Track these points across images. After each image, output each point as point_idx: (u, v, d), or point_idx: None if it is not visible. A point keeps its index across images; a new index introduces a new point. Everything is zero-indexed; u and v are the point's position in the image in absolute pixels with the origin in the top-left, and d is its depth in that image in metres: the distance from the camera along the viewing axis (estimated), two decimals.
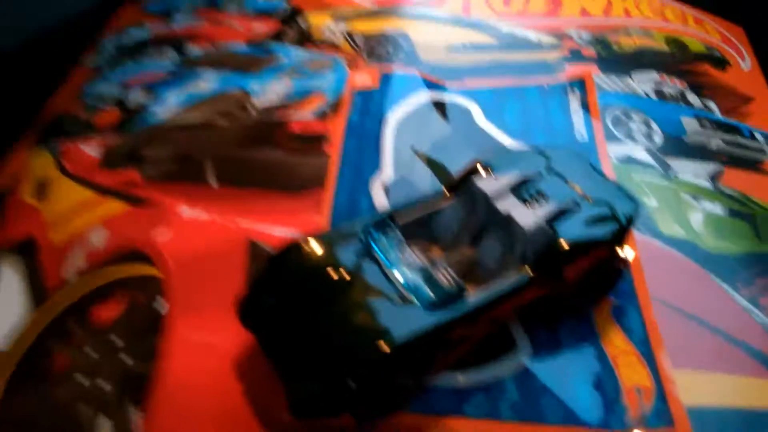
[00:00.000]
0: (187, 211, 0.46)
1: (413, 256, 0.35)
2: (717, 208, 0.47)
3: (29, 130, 0.59)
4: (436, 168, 0.47)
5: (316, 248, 0.36)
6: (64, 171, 0.51)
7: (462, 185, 0.39)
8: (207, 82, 0.58)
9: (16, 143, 0.58)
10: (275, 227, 0.44)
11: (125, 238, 0.44)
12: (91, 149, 0.53)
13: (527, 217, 0.35)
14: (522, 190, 0.38)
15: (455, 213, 0.38)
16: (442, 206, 0.39)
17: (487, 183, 0.38)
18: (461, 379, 0.35)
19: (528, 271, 0.34)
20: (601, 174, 0.40)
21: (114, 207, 0.47)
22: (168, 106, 0.56)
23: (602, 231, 0.35)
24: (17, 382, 0.37)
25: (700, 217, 0.46)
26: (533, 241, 0.34)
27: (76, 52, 0.70)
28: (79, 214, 0.47)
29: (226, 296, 0.40)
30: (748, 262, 0.43)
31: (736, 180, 0.50)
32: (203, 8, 0.70)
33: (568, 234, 0.34)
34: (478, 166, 0.39)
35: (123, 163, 0.51)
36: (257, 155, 0.50)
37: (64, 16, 0.73)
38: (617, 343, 0.36)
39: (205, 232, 0.44)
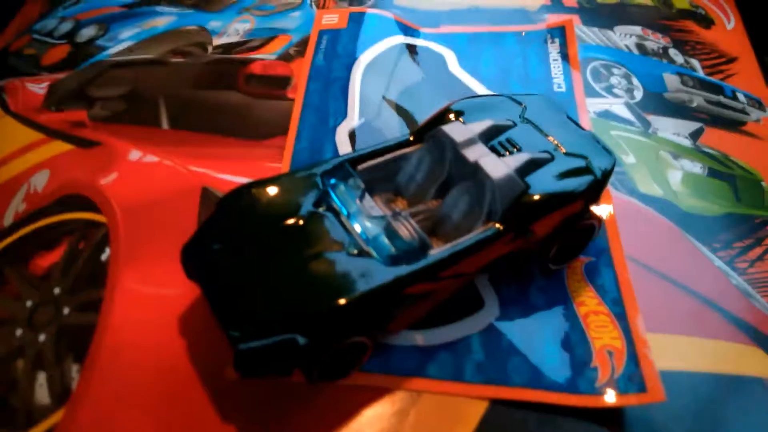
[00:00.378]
0: (136, 154, 0.42)
1: (374, 205, 0.33)
2: (696, 168, 0.45)
3: None
4: (406, 115, 0.44)
5: (269, 192, 0.33)
6: (6, 109, 0.48)
7: (429, 131, 0.36)
8: (164, 19, 0.54)
9: None
10: (231, 174, 0.41)
11: (69, 181, 0.41)
12: (37, 87, 0.49)
13: (497, 166, 0.33)
14: (493, 139, 0.35)
15: (421, 161, 0.36)
16: (407, 154, 0.36)
17: (455, 129, 0.35)
18: (420, 338, 0.33)
19: (496, 224, 0.32)
20: (577, 125, 0.37)
21: (58, 148, 0.44)
22: (121, 43, 0.52)
23: (576, 184, 0.33)
24: None
25: (679, 176, 0.44)
26: (502, 193, 0.32)
27: None
28: (21, 155, 0.44)
29: (174, 245, 0.37)
30: (726, 223, 0.41)
31: (718, 140, 0.48)
32: None
33: (539, 186, 0.32)
34: (448, 112, 0.37)
35: (70, 102, 0.47)
36: (214, 97, 0.47)
37: None
38: (589, 303, 0.34)
39: (155, 177, 0.41)
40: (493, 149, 0.34)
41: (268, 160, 0.42)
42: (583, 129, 0.37)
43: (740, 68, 0.56)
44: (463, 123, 0.35)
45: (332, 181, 0.34)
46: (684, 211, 0.42)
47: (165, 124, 0.44)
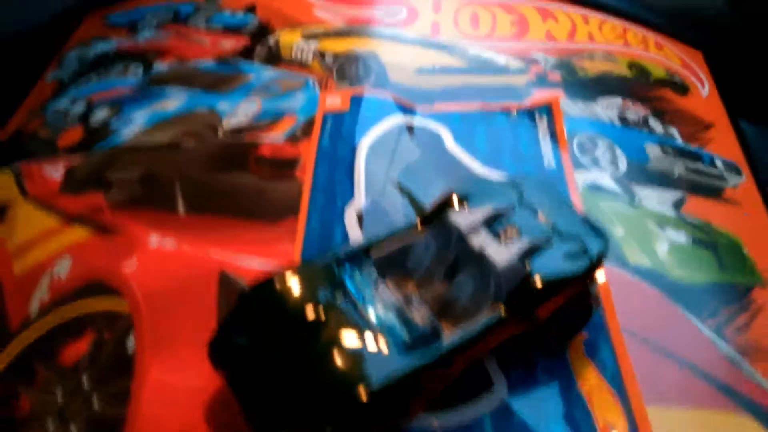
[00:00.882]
0: (155, 239, 0.45)
1: (388, 292, 0.35)
2: (681, 237, 0.48)
3: None
4: (409, 195, 0.47)
5: (288, 284, 0.35)
6: (25, 193, 0.50)
7: (435, 217, 0.39)
8: (174, 101, 0.57)
9: None
10: (247, 257, 0.43)
11: (91, 269, 0.43)
12: (53, 171, 0.51)
13: (500, 254, 0.35)
14: (495, 224, 0.38)
15: (428, 247, 0.38)
16: (416, 239, 0.39)
17: (460, 217, 0.38)
18: (435, 421, 0.35)
19: (501, 309, 0.34)
20: (571, 206, 0.40)
21: (79, 234, 0.46)
22: (133, 125, 0.55)
23: (574, 267, 0.36)
24: None
25: (666, 246, 0.47)
26: (506, 279, 0.35)
27: (39, 66, 0.68)
28: (42, 242, 0.46)
29: (197, 333, 0.39)
30: (713, 291, 0.44)
31: (699, 208, 0.51)
32: (169, 23, 0.68)
33: (541, 271, 0.35)
34: (452, 197, 0.40)
35: (87, 186, 0.49)
36: (227, 179, 0.49)
37: (25, 29, 0.71)
38: (591, 380, 0.37)
39: (174, 263, 0.43)
40: (495, 234, 0.37)
41: (281, 242, 0.44)
42: (575, 210, 0.40)
43: (716, 134, 0.60)
44: (466, 209, 0.38)
45: (347, 270, 0.36)
46: (672, 281, 0.45)
47: (181, 208, 0.47)
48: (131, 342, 0.39)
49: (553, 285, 0.35)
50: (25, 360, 0.39)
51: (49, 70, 0.67)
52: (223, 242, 0.44)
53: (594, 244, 0.37)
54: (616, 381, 0.37)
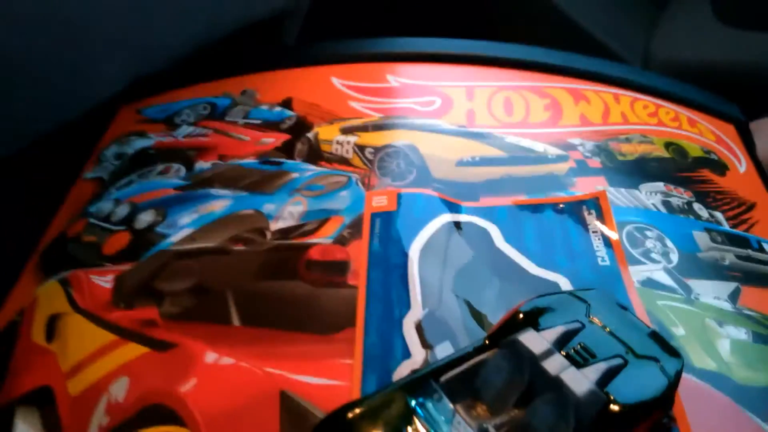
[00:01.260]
0: (211, 356, 0.44)
1: (463, 423, 0.34)
2: (741, 333, 0.47)
3: (33, 255, 0.57)
4: (466, 302, 0.47)
5: (362, 415, 0.34)
6: (75, 306, 0.50)
7: (504, 335, 0.38)
8: (220, 203, 0.57)
9: (21, 270, 0.56)
10: (306, 375, 0.43)
11: (149, 390, 0.43)
12: (102, 280, 0.51)
13: (578, 380, 0.35)
14: (566, 345, 0.37)
15: (500, 369, 0.38)
16: (485, 360, 0.38)
17: (531, 340, 0.37)
18: None
19: None
20: (639, 322, 0.40)
21: (134, 352, 0.45)
22: (180, 229, 0.55)
23: (654, 391, 0.35)
24: None
25: (727, 345, 0.46)
26: (587, 407, 0.34)
27: (75, 164, 0.68)
28: (96, 359, 0.45)
29: None
30: None
31: (756, 299, 0.50)
32: (207, 118, 0.69)
33: (621, 397, 0.34)
34: (518, 315, 0.39)
35: (138, 298, 0.49)
36: (279, 288, 0.49)
37: (59, 124, 0.72)
38: None
39: (233, 381, 0.43)
40: (568, 357, 0.36)
41: (340, 357, 0.44)
42: (645, 325, 0.39)
43: (760, 215, 0.60)
44: (536, 330, 0.38)
45: (420, 399, 0.35)
46: (737, 383, 0.44)
47: (236, 321, 0.46)
48: None
49: (637, 411, 0.34)
50: None
51: (86, 168, 0.68)
52: (279, 357, 0.44)
53: (669, 364, 0.37)
54: None
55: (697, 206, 0.59)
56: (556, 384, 0.35)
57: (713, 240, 0.56)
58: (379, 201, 0.54)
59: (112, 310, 0.49)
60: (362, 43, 0.76)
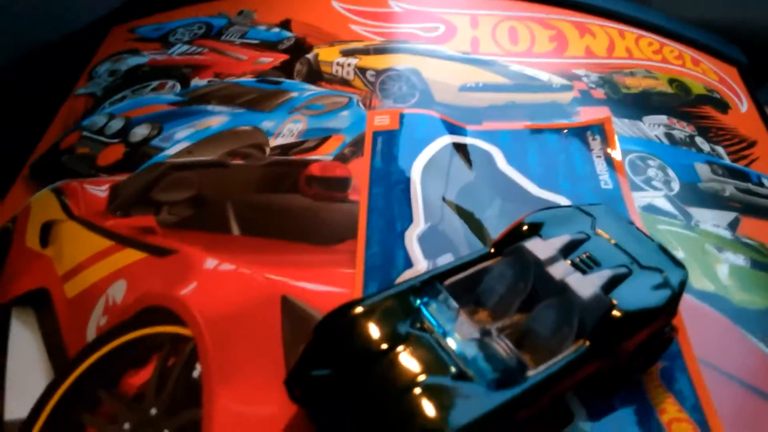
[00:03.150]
0: (211, 262, 0.43)
1: (466, 324, 0.34)
2: (740, 260, 0.48)
3: (25, 165, 0.56)
4: (468, 216, 0.46)
5: (364, 315, 0.34)
6: (70, 214, 0.49)
7: (508, 245, 0.38)
8: (217, 119, 0.56)
9: (12, 181, 0.55)
10: (307, 282, 0.42)
11: (148, 293, 0.42)
12: (97, 190, 0.50)
13: (583, 285, 0.34)
14: (572, 253, 0.37)
15: (504, 276, 0.37)
16: (489, 267, 0.38)
17: (537, 246, 0.37)
18: None
19: (587, 343, 0.33)
20: (645, 236, 0.40)
21: (131, 256, 0.45)
22: (177, 143, 0.54)
23: (657, 300, 0.35)
24: None
25: (726, 269, 0.47)
26: (591, 312, 0.34)
27: (68, 80, 0.67)
28: (93, 263, 0.44)
29: (263, 358, 0.38)
30: None
31: (754, 229, 0.50)
32: (202, 37, 0.67)
33: (625, 304, 0.34)
34: (523, 225, 0.39)
35: (135, 207, 0.48)
36: (279, 201, 0.48)
37: (51, 41, 0.70)
38: (670, 410, 0.36)
39: (234, 286, 0.42)
40: (574, 265, 0.36)
41: (341, 266, 0.43)
42: (651, 239, 0.39)
43: (760, 152, 0.60)
44: (542, 238, 0.37)
45: (425, 299, 0.35)
46: (735, 305, 0.44)
47: (235, 230, 0.46)
48: (197, 368, 0.38)
49: (640, 318, 0.34)
50: (86, 386, 0.38)
51: (79, 84, 0.66)
52: (280, 265, 0.43)
53: (674, 275, 0.37)
54: (697, 412, 0.36)
55: (699, 140, 0.59)
56: (560, 288, 0.35)
57: (714, 172, 0.55)
58: (381, 120, 0.53)
59: (108, 218, 0.48)
60: None
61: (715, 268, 0.47)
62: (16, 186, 0.54)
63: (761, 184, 0.55)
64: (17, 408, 0.37)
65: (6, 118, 0.63)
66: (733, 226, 0.51)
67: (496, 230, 0.46)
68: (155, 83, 0.61)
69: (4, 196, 0.53)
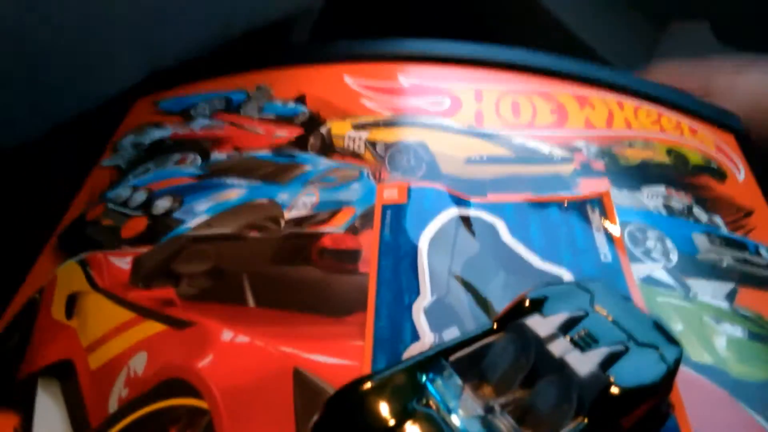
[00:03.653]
0: (228, 334, 0.46)
1: (470, 401, 0.36)
2: (738, 331, 0.49)
3: (52, 236, 0.59)
4: (473, 289, 0.48)
5: (374, 391, 0.36)
6: (94, 286, 0.51)
7: (509, 321, 0.40)
8: (235, 191, 0.59)
9: (39, 253, 0.57)
10: (318, 354, 0.44)
11: (167, 365, 0.44)
12: (121, 262, 0.53)
13: (581, 362, 0.36)
14: (571, 330, 0.39)
15: (505, 351, 0.39)
16: (492, 343, 0.40)
17: (537, 323, 0.39)
18: None
19: (585, 420, 0.35)
20: (641, 312, 0.42)
21: (152, 329, 0.47)
22: (197, 216, 0.57)
23: (654, 376, 0.37)
24: None
25: (724, 341, 0.48)
26: (588, 389, 0.36)
27: (92, 152, 0.70)
28: (116, 335, 0.47)
29: (275, 429, 0.40)
30: None
31: (752, 300, 0.52)
32: (222, 111, 0.71)
33: (622, 380, 0.36)
34: (524, 302, 0.41)
35: (157, 280, 0.51)
36: (293, 273, 0.51)
37: (75, 115, 0.74)
38: None
39: (248, 358, 0.44)
40: (573, 342, 0.38)
41: (350, 339, 0.45)
42: (647, 317, 0.41)
43: (757, 222, 0.62)
44: (542, 315, 0.40)
45: (430, 375, 0.37)
46: (733, 377, 0.46)
47: (251, 302, 0.48)
48: None
49: (637, 395, 0.36)
50: None
51: (103, 157, 0.69)
52: (293, 337, 0.45)
53: (669, 352, 0.38)
54: None
55: (696, 210, 0.61)
56: (560, 366, 0.37)
57: (712, 242, 0.57)
58: (390, 193, 0.56)
59: (130, 290, 0.50)
60: (374, 43, 0.78)
61: (713, 340, 0.48)
62: (44, 257, 0.57)
63: (758, 254, 0.57)
64: None
65: (34, 190, 0.66)
66: (730, 297, 0.52)
67: (500, 302, 0.48)
68: (177, 156, 0.65)
69: (33, 267, 0.56)
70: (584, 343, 0.38)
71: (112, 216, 0.59)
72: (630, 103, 0.75)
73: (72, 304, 0.50)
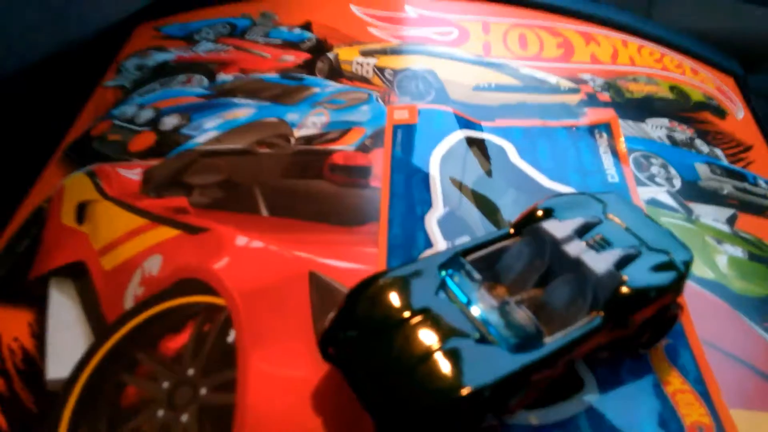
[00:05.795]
0: (242, 239, 0.46)
1: (487, 294, 0.37)
2: (738, 252, 0.50)
3: (57, 150, 0.58)
4: (483, 203, 0.49)
5: (394, 283, 0.37)
6: (104, 195, 0.51)
7: (526, 226, 0.41)
8: (244, 111, 0.58)
9: (45, 165, 0.57)
10: (333, 259, 0.45)
11: (182, 266, 0.44)
12: (130, 173, 0.53)
13: (597, 262, 0.37)
14: (585, 234, 0.40)
15: (521, 254, 0.40)
16: (508, 246, 0.41)
17: (553, 226, 0.40)
18: (534, 419, 0.36)
19: (600, 314, 0.36)
20: (653, 221, 0.42)
21: (166, 233, 0.47)
22: (206, 132, 0.56)
23: (665, 278, 0.38)
24: (83, 413, 0.37)
25: (725, 260, 0.50)
26: (604, 287, 0.37)
27: (95, 73, 0.69)
28: (129, 240, 0.47)
29: (292, 327, 0.41)
30: None
31: (750, 225, 0.53)
32: (227, 36, 0.70)
33: (635, 280, 0.37)
34: (538, 209, 0.42)
35: (168, 189, 0.51)
36: (304, 185, 0.51)
37: (77, 39, 0.73)
38: (674, 382, 0.39)
39: (264, 261, 0.45)
40: (588, 244, 0.39)
41: (364, 246, 0.46)
42: (659, 224, 0.42)
43: (756, 156, 0.63)
44: (558, 220, 0.40)
45: (450, 271, 0.38)
46: (734, 292, 0.47)
47: (264, 211, 0.48)
48: (231, 334, 0.40)
49: (649, 294, 0.37)
50: (125, 349, 0.40)
51: (106, 77, 0.68)
52: (307, 243, 0.46)
53: (680, 256, 0.39)
54: (699, 384, 0.39)
55: (698, 142, 0.62)
56: (575, 265, 0.38)
57: (713, 171, 0.58)
58: (401, 114, 0.56)
59: (141, 199, 0.50)
60: None
61: (715, 259, 0.50)
62: (49, 169, 0.56)
63: (757, 185, 0.59)
64: (59, 368, 0.40)
65: (37, 108, 0.65)
66: (731, 221, 0.54)
67: (510, 217, 0.49)
68: (183, 77, 0.64)
69: (37, 179, 0.56)
70: (599, 246, 0.39)
71: (119, 131, 0.58)
72: (634, 41, 0.76)
73: (82, 211, 0.50)
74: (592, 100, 0.63)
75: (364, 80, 0.63)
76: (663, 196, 0.54)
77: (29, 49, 0.68)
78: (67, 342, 0.41)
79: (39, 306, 0.43)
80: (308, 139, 0.55)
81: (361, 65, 0.64)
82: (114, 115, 0.61)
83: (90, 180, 0.53)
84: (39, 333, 0.41)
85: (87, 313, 0.43)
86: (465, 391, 0.32)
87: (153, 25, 0.76)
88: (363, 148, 0.54)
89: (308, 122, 0.57)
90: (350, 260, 0.45)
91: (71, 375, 0.39)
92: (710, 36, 0.93)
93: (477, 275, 0.37)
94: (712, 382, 0.39)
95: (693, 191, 0.56)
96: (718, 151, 0.62)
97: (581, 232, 0.40)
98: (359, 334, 0.35)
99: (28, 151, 0.60)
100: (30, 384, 0.38)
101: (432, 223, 0.47)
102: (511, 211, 0.49)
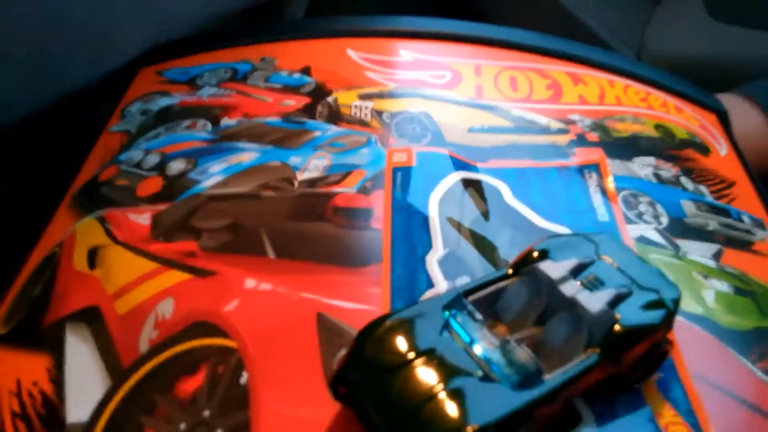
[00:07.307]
0: (251, 282, 0.48)
1: (489, 335, 0.39)
2: (724, 286, 0.53)
3: (65, 196, 0.60)
4: (482, 243, 0.51)
5: (400, 324, 0.39)
6: (115, 239, 0.53)
7: (523, 267, 0.43)
8: (248, 155, 0.61)
9: (54, 211, 0.59)
10: (339, 300, 0.47)
11: (194, 309, 0.46)
12: (139, 218, 0.55)
13: (591, 301, 0.40)
14: (580, 274, 0.42)
15: (519, 294, 0.42)
16: (507, 286, 0.43)
17: (549, 267, 0.42)
18: None
19: (596, 352, 0.38)
20: (642, 260, 0.45)
21: (176, 277, 0.49)
22: (211, 176, 0.59)
23: (655, 316, 0.40)
24: None
25: (712, 295, 0.52)
26: (598, 325, 0.39)
27: (99, 119, 0.71)
28: (141, 283, 0.49)
29: (303, 368, 0.42)
30: (758, 336, 0.49)
31: (736, 260, 0.56)
32: (229, 81, 0.73)
33: (628, 319, 0.39)
34: (534, 251, 0.44)
35: (177, 233, 0.53)
36: (309, 228, 0.53)
37: (81, 86, 0.75)
38: (666, 415, 0.41)
39: (273, 303, 0.47)
40: (582, 284, 0.41)
41: (368, 286, 0.48)
42: (649, 265, 0.45)
43: (738, 192, 0.66)
44: (553, 261, 0.43)
45: (452, 312, 0.40)
46: (722, 326, 0.50)
47: (271, 254, 0.50)
48: (244, 376, 0.42)
49: (641, 331, 0.39)
50: (143, 392, 0.41)
51: (111, 123, 0.71)
52: (314, 285, 0.48)
53: (669, 294, 0.42)
54: (690, 416, 0.41)
55: (683, 180, 0.65)
56: (571, 304, 0.40)
57: (698, 208, 0.61)
58: (400, 157, 0.59)
59: (151, 243, 0.52)
60: (376, 19, 0.80)
61: (702, 294, 0.52)
62: (59, 215, 0.58)
63: (741, 220, 0.61)
64: (78, 412, 0.41)
65: (45, 155, 0.67)
66: (717, 256, 0.56)
67: (507, 256, 0.51)
68: (187, 122, 0.66)
69: (48, 225, 0.57)
70: (593, 286, 0.41)
71: (127, 176, 0.60)
72: (620, 81, 0.79)
73: (94, 256, 0.52)
74: (581, 140, 0.66)
75: (363, 123, 0.65)
76: (651, 233, 0.57)
77: (30, 99, 0.70)
78: (84, 386, 0.42)
79: (56, 351, 0.45)
80: (311, 182, 0.58)
81: (360, 109, 0.67)
82: (121, 160, 0.63)
83: (100, 225, 0.55)
84: (57, 378, 0.43)
85: (103, 357, 0.44)
86: (470, 430, 0.33)
87: (155, 69, 0.79)
88: (364, 191, 0.56)
89: (311, 165, 0.59)
90: (356, 301, 0.47)
91: (91, 418, 0.41)
92: (699, 63, 0.96)
93: (479, 315, 0.39)
94: (701, 414, 0.41)
95: (680, 228, 0.58)
96: (703, 188, 0.65)
97: (576, 272, 0.42)
98: (369, 374, 0.37)
99: (36, 197, 0.62)
100: (51, 428, 0.40)
101: (433, 263, 0.49)
102: (508, 251, 0.51)
